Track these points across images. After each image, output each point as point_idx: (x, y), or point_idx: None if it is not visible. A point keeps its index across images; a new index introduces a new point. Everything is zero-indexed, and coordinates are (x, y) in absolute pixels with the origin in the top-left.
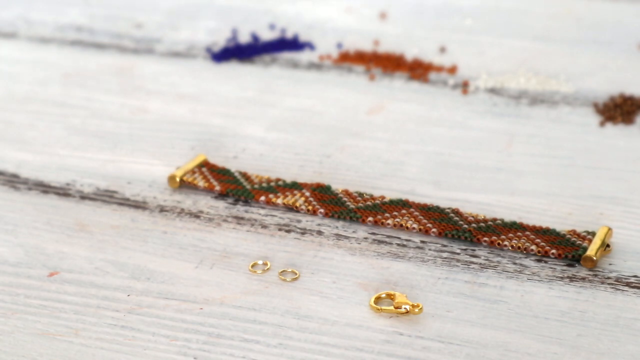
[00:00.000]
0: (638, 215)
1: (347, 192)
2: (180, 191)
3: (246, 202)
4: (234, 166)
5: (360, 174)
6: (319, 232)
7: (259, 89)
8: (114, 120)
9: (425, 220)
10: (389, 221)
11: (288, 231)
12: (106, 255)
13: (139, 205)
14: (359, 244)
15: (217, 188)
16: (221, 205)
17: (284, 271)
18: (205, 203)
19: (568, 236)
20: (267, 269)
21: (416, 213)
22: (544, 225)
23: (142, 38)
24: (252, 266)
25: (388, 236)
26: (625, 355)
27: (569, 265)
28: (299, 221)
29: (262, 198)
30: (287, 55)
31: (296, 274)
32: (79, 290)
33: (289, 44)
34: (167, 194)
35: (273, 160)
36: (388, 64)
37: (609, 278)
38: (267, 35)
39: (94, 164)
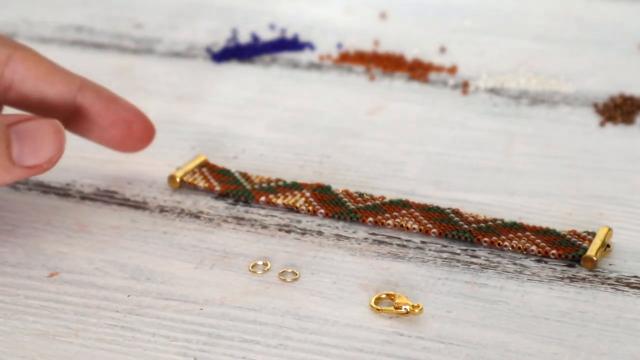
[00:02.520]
0: (638, 215)
1: (347, 193)
2: (180, 191)
3: (246, 203)
4: (234, 166)
5: (360, 174)
6: (319, 233)
7: (259, 89)
8: None
9: (425, 221)
10: (389, 221)
11: (288, 231)
12: (106, 256)
13: (139, 206)
14: (359, 244)
15: (217, 188)
16: (221, 206)
17: (284, 271)
18: (205, 203)
19: (568, 236)
20: (267, 269)
21: (416, 213)
22: (544, 225)
23: (142, 38)
24: (252, 266)
25: (388, 236)
26: (626, 355)
27: (569, 265)
28: (299, 221)
29: (262, 198)
30: (287, 55)
31: (296, 274)
32: (79, 291)
33: (289, 44)
34: (167, 194)
35: (273, 161)
36: (388, 64)
37: (609, 278)
38: (267, 35)
39: (94, 164)
